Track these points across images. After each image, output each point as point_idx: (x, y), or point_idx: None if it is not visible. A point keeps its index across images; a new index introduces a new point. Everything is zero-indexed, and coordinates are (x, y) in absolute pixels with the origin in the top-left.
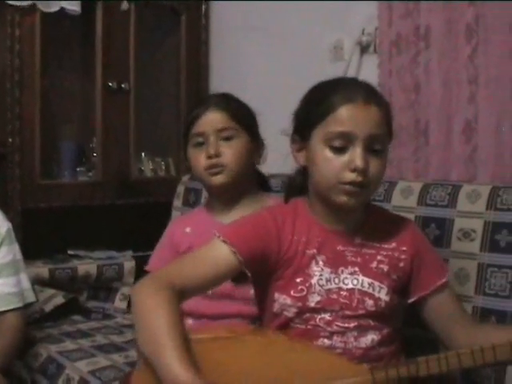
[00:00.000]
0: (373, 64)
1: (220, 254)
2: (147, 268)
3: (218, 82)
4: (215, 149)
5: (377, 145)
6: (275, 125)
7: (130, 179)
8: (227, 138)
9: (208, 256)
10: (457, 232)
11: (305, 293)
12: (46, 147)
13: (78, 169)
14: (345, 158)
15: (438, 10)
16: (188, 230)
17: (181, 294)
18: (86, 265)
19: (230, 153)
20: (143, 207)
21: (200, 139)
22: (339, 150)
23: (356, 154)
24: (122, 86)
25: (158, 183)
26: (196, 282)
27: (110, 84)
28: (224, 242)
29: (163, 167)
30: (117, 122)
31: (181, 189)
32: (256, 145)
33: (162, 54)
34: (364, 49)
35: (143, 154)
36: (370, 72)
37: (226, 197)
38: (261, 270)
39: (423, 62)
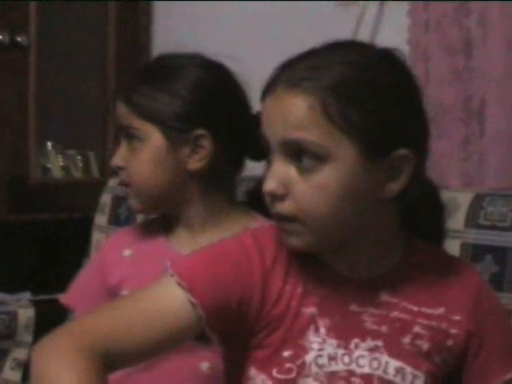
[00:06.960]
0: (400, 12)
1: (171, 303)
2: (63, 299)
3: (165, 35)
4: (119, 157)
5: (305, 156)
6: None
7: (29, 183)
8: (138, 139)
9: (153, 305)
10: None
11: (294, 375)
12: None
13: None
14: None
15: None
16: (127, 252)
17: (106, 362)
18: None
19: (133, 168)
20: (49, 226)
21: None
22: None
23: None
24: (18, 39)
25: (73, 189)
26: (131, 346)
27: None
28: (180, 285)
29: (80, 165)
30: (8, 94)
31: (107, 198)
32: (188, 138)
33: None
34: None
35: (49, 144)
36: (395, 24)
37: (176, 218)
38: (232, 331)
39: (476, 8)
